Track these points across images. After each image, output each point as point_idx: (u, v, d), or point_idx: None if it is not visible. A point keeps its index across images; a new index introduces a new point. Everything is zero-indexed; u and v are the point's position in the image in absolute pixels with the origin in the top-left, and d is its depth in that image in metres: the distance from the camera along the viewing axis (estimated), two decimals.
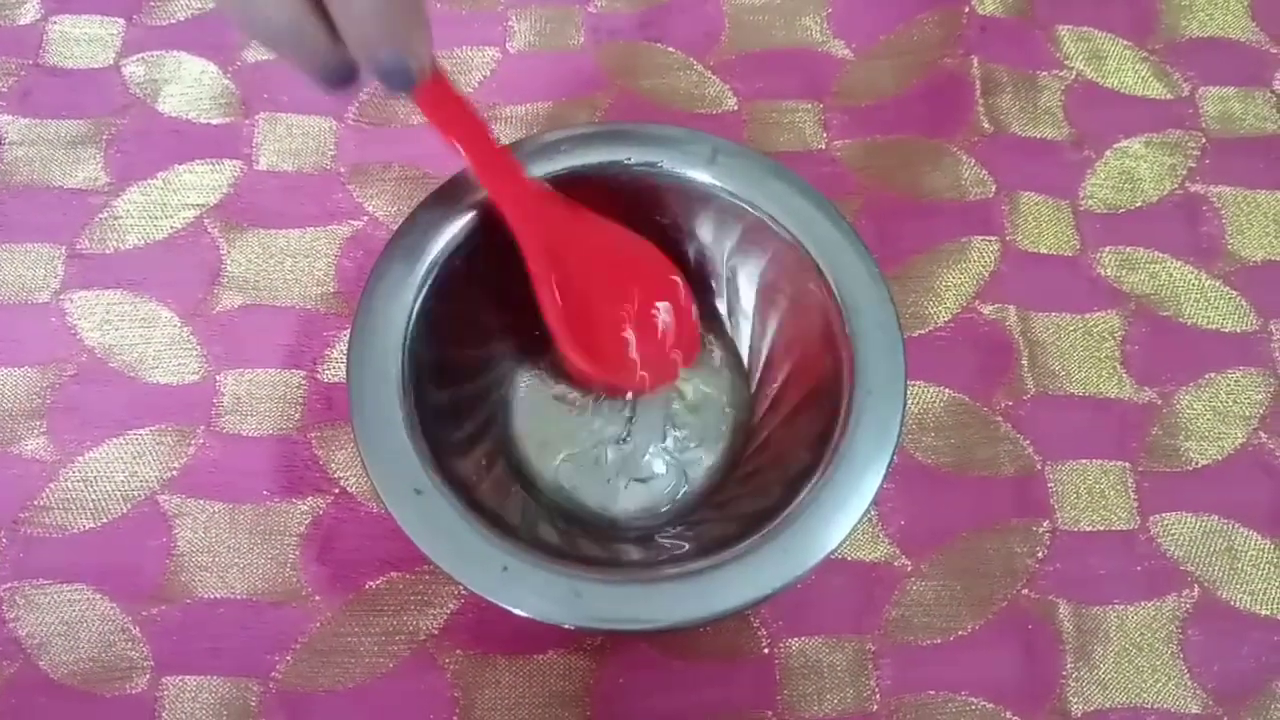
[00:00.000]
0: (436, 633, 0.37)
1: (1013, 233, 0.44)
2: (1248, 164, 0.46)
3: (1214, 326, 0.43)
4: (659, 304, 0.38)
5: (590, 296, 0.37)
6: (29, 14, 0.48)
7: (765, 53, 0.48)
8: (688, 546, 0.36)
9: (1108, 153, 0.46)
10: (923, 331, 0.42)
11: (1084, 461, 0.40)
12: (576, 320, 0.36)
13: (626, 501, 0.39)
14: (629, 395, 0.40)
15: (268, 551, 0.38)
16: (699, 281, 0.40)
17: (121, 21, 0.48)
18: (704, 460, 0.39)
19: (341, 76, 0.28)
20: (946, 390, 0.41)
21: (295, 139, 0.45)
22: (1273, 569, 0.39)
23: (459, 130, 0.33)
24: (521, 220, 0.35)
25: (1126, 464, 0.40)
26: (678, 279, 0.38)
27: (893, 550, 0.38)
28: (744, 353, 0.40)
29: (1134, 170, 0.45)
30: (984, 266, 0.43)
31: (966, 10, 0.48)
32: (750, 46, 0.48)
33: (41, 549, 0.38)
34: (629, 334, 0.38)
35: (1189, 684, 0.37)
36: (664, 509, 0.38)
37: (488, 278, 0.37)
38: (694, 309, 0.39)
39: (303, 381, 0.40)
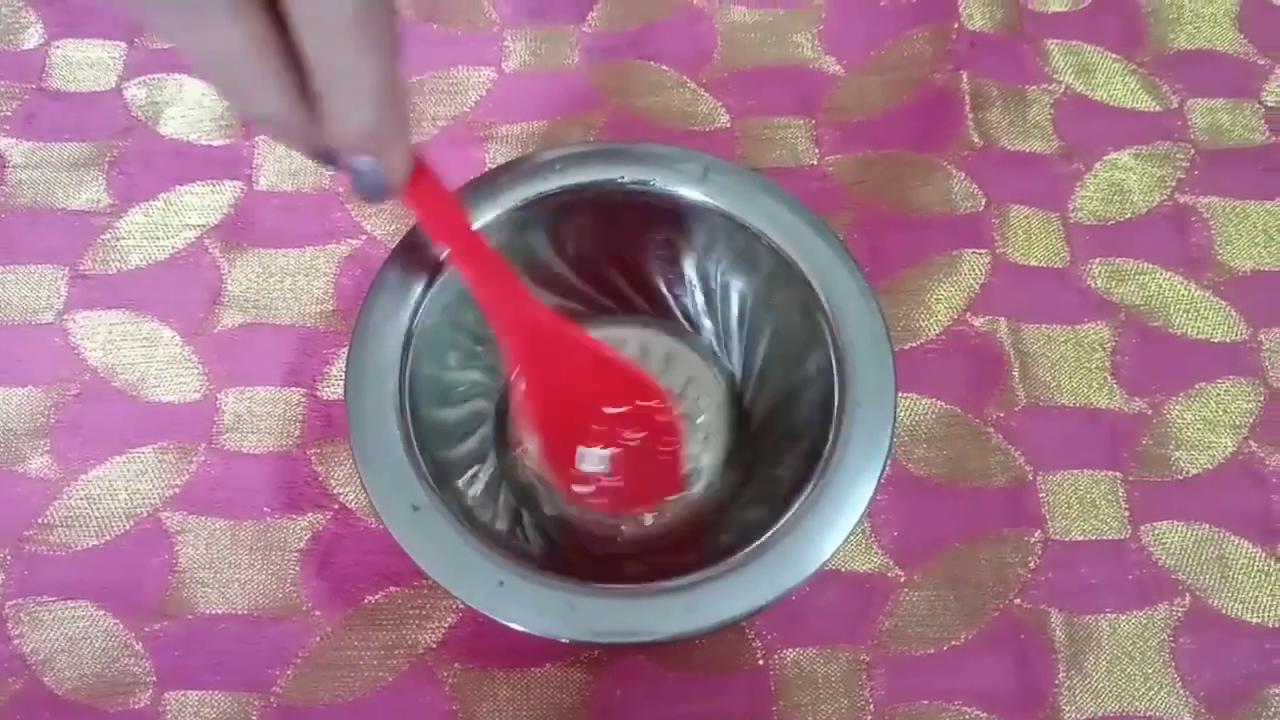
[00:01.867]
0: (435, 647, 0.37)
1: (1003, 245, 0.44)
2: (1236, 175, 0.46)
3: (1204, 336, 0.43)
4: (640, 433, 0.37)
5: (565, 412, 0.36)
6: (32, 39, 0.48)
7: (757, 70, 0.48)
8: (682, 559, 0.36)
9: (1097, 165, 0.46)
10: (914, 344, 0.42)
11: (1075, 472, 0.40)
12: (546, 428, 0.37)
13: (621, 516, 0.39)
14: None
15: (268, 567, 0.38)
16: (692, 297, 0.41)
17: (123, 45, 0.48)
18: (698, 475, 0.40)
19: (329, 160, 0.28)
20: (938, 402, 0.41)
21: (294, 159, 0.46)
22: (1264, 577, 0.39)
23: (444, 228, 0.33)
24: (516, 336, 0.35)
25: (1117, 474, 0.40)
26: (672, 417, 0.38)
27: (886, 561, 0.39)
28: (737, 367, 0.41)
29: (1123, 182, 0.46)
30: (974, 279, 0.43)
31: (956, 26, 0.49)
32: (742, 64, 0.49)
33: (45, 566, 0.38)
34: (606, 454, 0.37)
35: (1181, 692, 0.37)
36: (659, 524, 0.39)
37: None
38: (682, 452, 0.38)
39: (302, 399, 0.41)
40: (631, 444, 0.38)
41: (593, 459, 0.37)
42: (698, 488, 0.39)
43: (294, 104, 0.25)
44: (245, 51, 0.23)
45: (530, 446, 0.38)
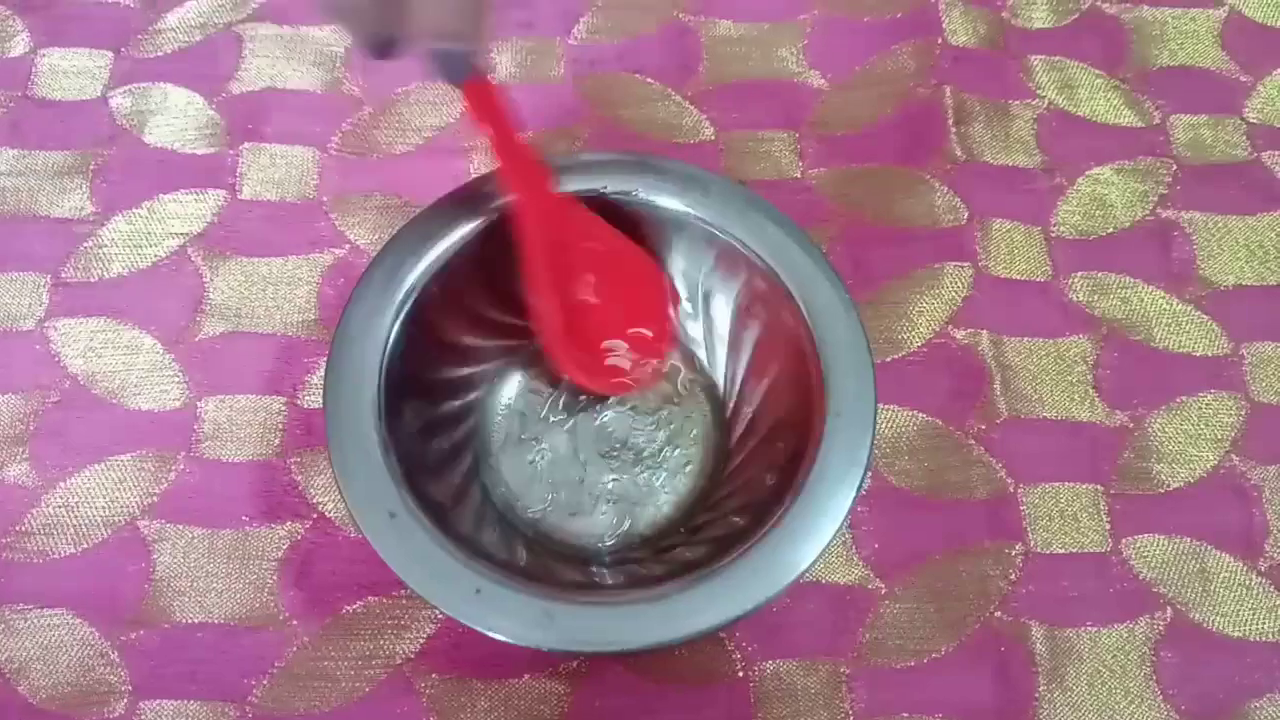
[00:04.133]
0: (413, 657, 0.37)
1: (985, 259, 0.44)
2: (1218, 190, 0.47)
3: (1185, 350, 0.43)
4: (644, 314, 0.39)
5: (581, 304, 0.37)
6: (19, 46, 0.48)
7: (742, 83, 0.49)
8: (661, 569, 0.36)
9: (1079, 180, 0.46)
10: (896, 356, 0.42)
11: (1056, 484, 0.40)
12: (565, 325, 0.37)
13: (600, 525, 0.39)
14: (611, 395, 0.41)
15: (246, 576, 0.38)
16: (676, 308, 0.41)
17: (109, 54, 0.48)
18: (679, 483, 0.40)
19: (388, 49, 0.30)
20: (920, 414, 0.41)
21: (278, 169, 0.46)
22: (1245, 591, 0.39)
23: (494, 126, 0.35)
24: (532, 223, 0.36)
25: (1099, 487, 0.40)
26: (664, 281, 0.39)
27: (866, 573, 0.39)
28: (719, 378, 0.41)
29: (1105, 197, 0.46)
30: (957, 292, 0.44)
31: (939, 41, 0.49)
32: (727, 77, 0.49)
33: (22, 574, 0.38)
34: (614, 342, 0.38)
35: (1162, 706, 0.37)
36: (638, 533, 0.39)
37: (464, 304, 0.38)
38: (672, 311, 0.40)
39: (283, 407, 0.41)
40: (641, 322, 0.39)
41: (619, 350, 0.39)
42: (679, 496, 0.39)
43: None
44: None
45: (553, 350, 0.39)
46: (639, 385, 0.40)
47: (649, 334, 0.39)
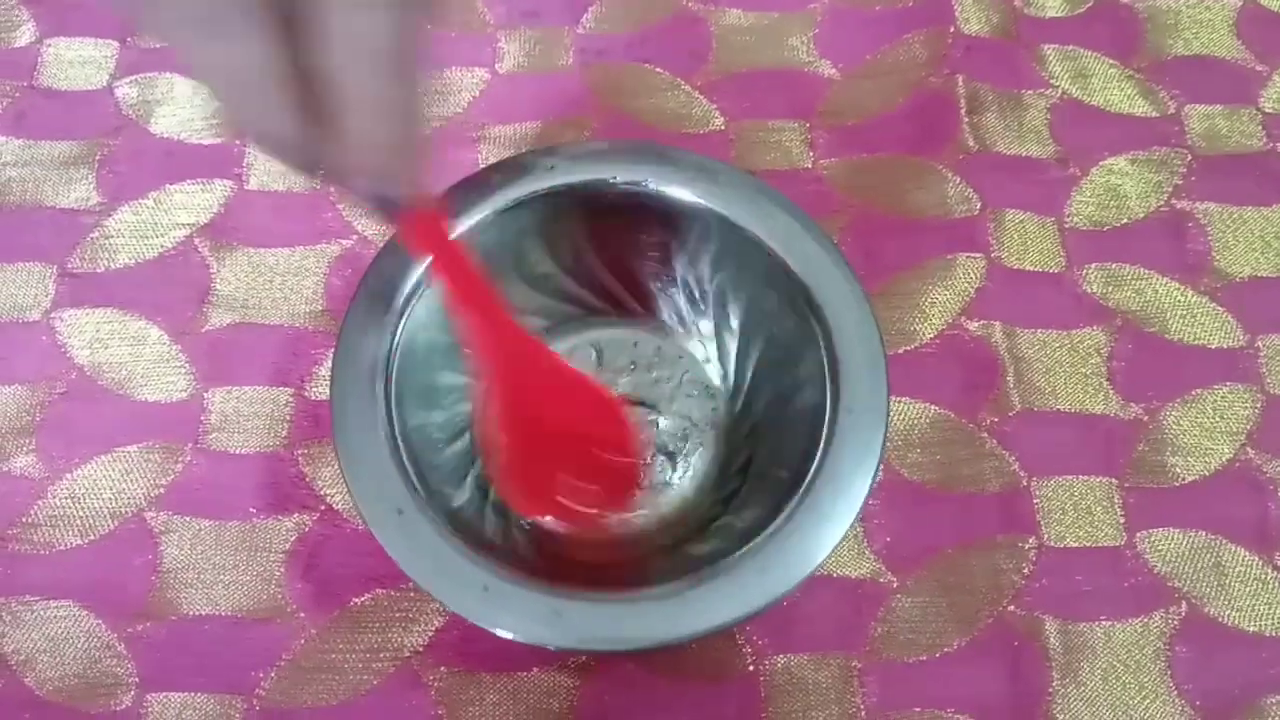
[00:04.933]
0: (421, 650, 0.37)
1: (998, 250, 0.44)
2: (1233, 181, 0.46)
3: (1200, 342, 0.43)
4: (603, 448, 0.38)
5: (536, 435, 0.36)
6: (24, 36, 0.48)
7: (752, 73, 0.48)
8: (671, 565, 0.36)
9: (1093, 170, 0.46)
10: (908, 348, 0.42)
11: (1070, 478, 0.40)
12: (519, 459, 0.36)
13: (610, 521, 0.38)
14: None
15: (253, 568, 0.38)
16: (685, 299, 0.41)
17: (115, 44, 0.48)
18: (689, 479, 0.39)
19: (313, 171, 0.27)
20: (932, 407, 0.41)
21: None
22: (1260, 585, 0.38)
23: (442, 260, 0.32)
24: (493, 358, 0.34)
25: (1113, 480, 0.40)
26: (628, 422, 0.38)
27: (878, 567, 0.38)
28: (729, 370, 0.41)
29: (1120, 187, 0.46)
30: (969, 283, 0.43)
31: (951, 30, 0.49)
32: (737, 67, 0.48)
33: (28, 566, 0.38)
34: (566, 479, 0.38)
35: (1177, 701, 0.37)
36: (648, 529, 0.38)
37: None
38: (637, 453, 0.39)
39: (290, 399, 0.41)
40: (599, 461, 0.38)
41: (574, 488, 0.38)
42: (689, 492, 0.39)
43: (300, 121, 0.24)
44: (260, 67, 0.23)
45: (496, 473, 0.38)
46: (578, 521, 0.39)
47: (614, 471, 0.38)
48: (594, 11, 0.50)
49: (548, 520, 0.38)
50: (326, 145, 0.25)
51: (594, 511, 0.38)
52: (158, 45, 0.48)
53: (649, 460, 0.39)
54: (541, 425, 0.36)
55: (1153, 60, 0.49)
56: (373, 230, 0.44)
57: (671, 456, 0.40)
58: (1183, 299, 0.43)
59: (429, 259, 0.34)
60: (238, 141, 0.46)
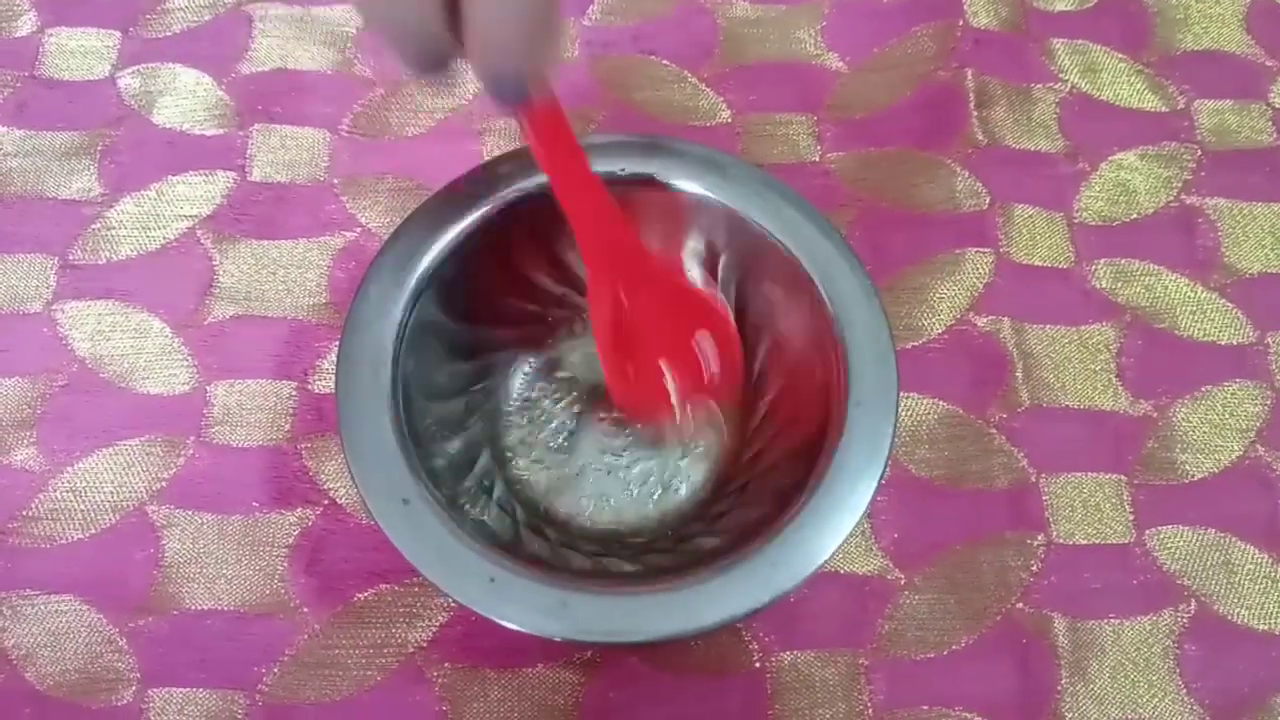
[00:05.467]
0: (425, 645, 0.37)
1: (1007, 245, 0.44)
2: (1243, 176, 0.46)
3: (1210, 339, 0.42)
4: (704, 343, 0.38)
5: (640, 333, 0.36)
6: (25, 26, 0.48)
7: (759, 66, 0.48)
8: (678, 559, 0.35)
9: (1102, 165, 0.46)
10: (916, 343, 0.42)
11: (1079, 474, 0.40)
12: (624, 356, 0.36)
13: (617, 514, 0.38)
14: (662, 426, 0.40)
15: (256, 563, 0.37)
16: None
17: (117, 34, 0.48)
18: (696, 473, 0.39)
19: (440, 68, 0.27)
20: (940, 403, 0.41)
21: (289, 150, 0.45)
22: (1270, 583, 0.38)
23: (559, 156, 0.32)
24: (595, 252, 0.34)
25: (1122, 477, 0.40)
26: (729, 321, 0.38)
27: (886, 563, 0.38)
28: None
29: (1129, 182, 0.45)
30: (978, 278, 0.43)
31: (960, 24, 0.48)
32: (744, 60, 0.48)
33: (29, 560, 0.37)
34: (670, 374, 0.37)
35: (1186, 699, 0.36)
36: (655, 522, 0.38)
37: (478, 289, 0.37)
38: (740, 352, 0.38)
39: (293, 392, 0.40)
40: (699, 354, 0.38)
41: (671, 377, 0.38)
42: (697, 486, 0.39)
43: (436, 7, 0.25)
44: None
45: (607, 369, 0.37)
46: (672, 421, 0.39)
47: (712, 370, 0.38)
48: (600, 3, 0.49)
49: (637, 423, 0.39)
50: (458, 33, 0.25)
51: (701, 397, 0.38)
52: (160, 35, 0.48)
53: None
54: (647, 315, 0.36)
55: (1162, 55, 0.49)
56: (377, 222, 0.43)
57: (678, 451, 0.39)
58: (1192, 295, 0.43)
59: (454, 236, 0.35)
60: (240, 128, 0.45)
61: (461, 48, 0.26)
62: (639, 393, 0.37)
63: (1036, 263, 0.43)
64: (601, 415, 0.40)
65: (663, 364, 0.37)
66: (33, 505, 0.38)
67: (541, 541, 0.36)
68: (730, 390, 0.39)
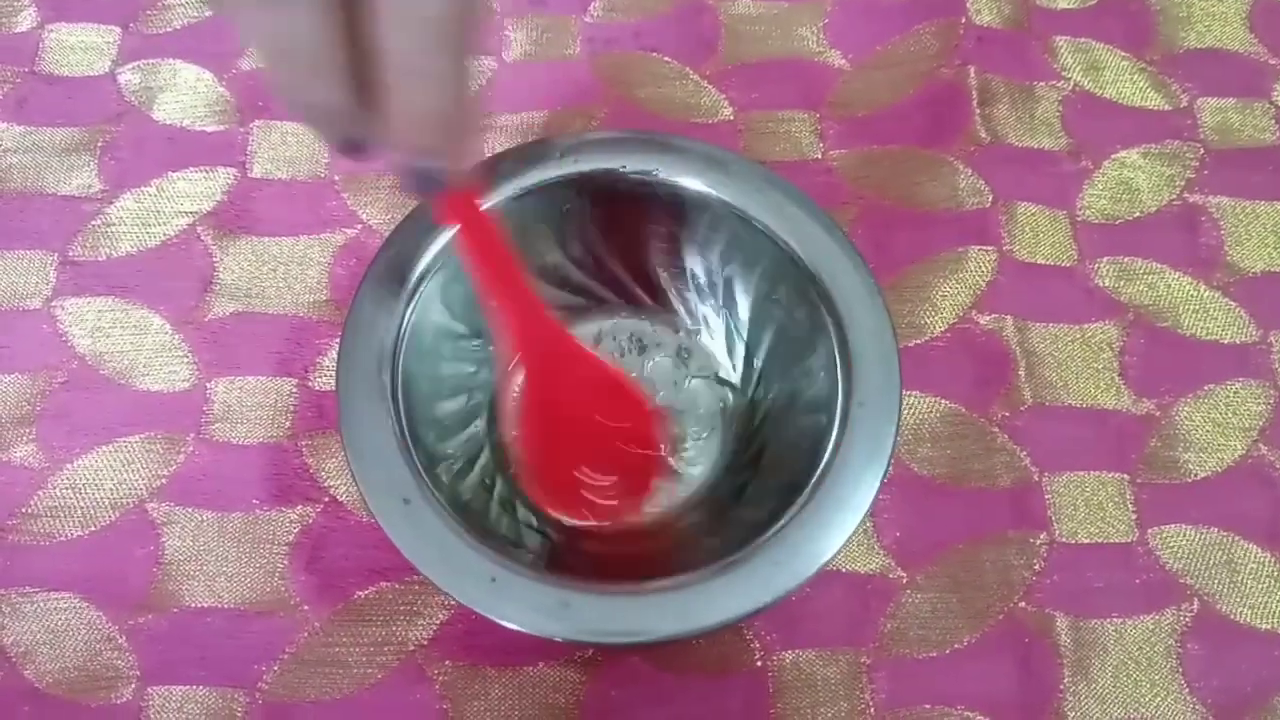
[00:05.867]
0: (425, 644, 0.36)
1: (1010, 243, 0.43)
2: (1246, 175, 0.46)
3: (1213, 338, 0.42)
4: (628, 440, 0.38)
5: (561, 427, 0.36)
6: (25, 22, 0.48)
7: (761, 63, 0.48)
8: (680, 559, 0.35)
9: (1105, 163, 0.46)
10: (919, 341, 0.42)
11: (1082, 473, 0.40)
12: (541, 451, 0.37)
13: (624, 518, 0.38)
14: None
15: (256, 560, 0.37)
16: (694, 290, 0.40)
17: (117, 30, 0.48)
18: (698, 471, 0.39)
19: (358, 151, 0.27)
20: (943, 401, 0.41)
21: (290, 147, 0.45)
22: (1273, 582, 0.38)
23: (478, 246, 0.32)
24: (518, 340, 0.35)
25: (1125, 476, 0.40)
26: (652, 414, 0.39)
27: (888, 562, 0.38)
28: (739, 362, 0.40)
29: (1132, 181, 0.45)
30: (981, 277, 0.43)
31: (963, 21, 0.48)
32: (746, 57, 0.48)
33: (28, 557, 0.37)
34: (587, 471, 0.38)
35: (1188, 698, 0.36)
36: (657, 521, 0.38)
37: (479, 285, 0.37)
38: (661, 446, 0.39)
39: (294, 389, 0.40)
40: (621, 451, 0.38)
41: (599, 481, 0.38)
42: (697, 485, 0.39)
43: (347, 94, 0.24)
44: (314, 36, 0.23)
45: (523, 470, 0.38)
46: (607, 517, 0.38)
47: (638, 461, 0.38)
48: (602, 0, 0.49)
49: (563, 516, 0.38)
50: (371, 118, 0.25)
51: (613, 504, 0.38)
52: (160, 31, 0.47)
53: (665, 453, 0.39)
54: (564, 412, 0.36)
55: (1165, 53, 0.49)
56: (378, 219, 0.43)
57: (680, 448, 0.39)
58: (1195, 294, 0.43)
59: (450, 239, 0.35)
60: (241, 124, 0.45)
61: (378, 133, 0.26)
62: (550, 485, 0.37)
63: (1039, 261, 0.43)
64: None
65: (580, 470, 0.38)
66: (32, 502, 0.38)
67: (543, 541, 0.36)
68: (643, 492, 0.38)
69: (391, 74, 0.24)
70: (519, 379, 0.39)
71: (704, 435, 0.39)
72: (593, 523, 0.38)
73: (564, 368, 0.36)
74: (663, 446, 0.39)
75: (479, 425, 0.39)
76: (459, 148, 0.27)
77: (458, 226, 0.32)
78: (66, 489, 0.38)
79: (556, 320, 0.36)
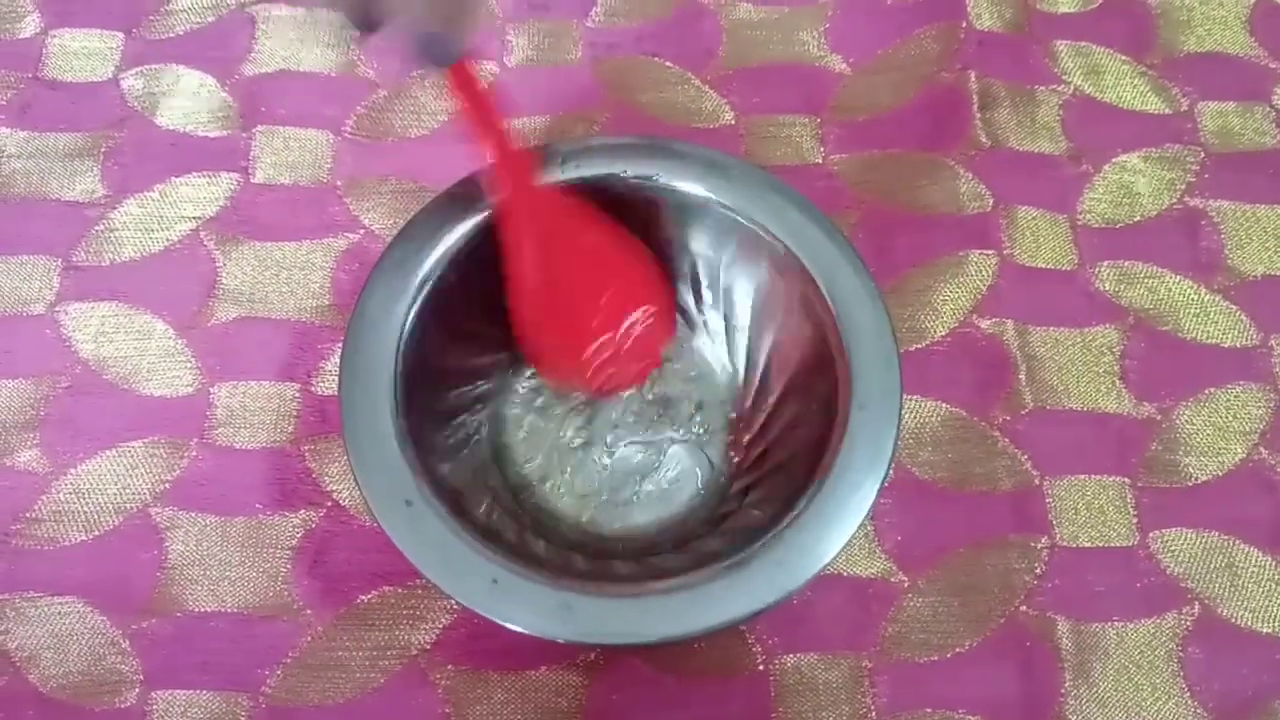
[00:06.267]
0: (428, 648, 0.36)
1: (1010, 247, 0.43)
2: (1247, 179, 0.46)
3: (1214, 341, 0.42)
4: (637, 309, 0.38)
5: (566, 300, 0.36)
6: (29, 28, 0.48)
7: (763, 67, 0.48)
8: (682, 561, 0.35)
9: (1106, 167, 0.46)
10: (920, 346, 0.42)
11: (1083, 477, 0.40)
12: (546, 324, 0.36)
13: (620, 516, 0.38)
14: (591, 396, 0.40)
15: (259, 565, 0.37)
16: (695, 294, 0.40)
17: (121, 35, 0.48)
18: (698, 476, 0.39)
19: (369, 28, 0.29)
20: (944, 405, 0.41)
21: (292, 152, 0.45)
22: (1273, 586, 0.38)
23: (476, 111, 0.34)
24: (515, 214, 0.35)
25: (1126, 480, 0.40)
26: (661, 280, 0.38)
27: (889, 566, 0.38)
28: (740, 366, 0.40)
29: (1132, 185, 0.45)
30: (982, 281, 0.43)
31: (964, 25, 0.48)
32: (748, 61, 0.48)
33: (32, 561, 0.37)
34: (598, 341, 0.37)
35: (1189, 702, 0.36)
36: (658, 524, 0.38)
37: (480, 291, 0.37)
38: (674, 311, 0.39)
39: (297, 394, 0.40)
40: (630, 318, 0.38)
41: (611, 348, 0.38)
42: (698, 488, 0.39)
43: None
44: None
45: (533, 347, 0.38)
46: (626, 385, 0.39)
47: (648, 323, 0.38)
48: (603, 5, 0.49)
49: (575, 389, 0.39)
50: None
51: (625, 372, 0.38)
52: (163, 37, 0.48)
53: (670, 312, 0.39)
54: (567, 276, 0.36)
55: (1165, 57, 0.49)
56: (380, 224, 0.43)
57: (682, 448, 0.39)
58: (1196, 297, 0.43)
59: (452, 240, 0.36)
60: (244, 129, 0.45)
61: (390, 7, 0.28)
62: (552, 350, 0.37)
63: (1040, 265, 0.43)
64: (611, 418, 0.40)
65: (592, 335, 0.37)
66: (36, 507, 0.38)
67: (544, 543, 0.36)
68: (649, 364, 0.39)
69: None
70: (519, 381, 0.40)
71: (706, 440, 0.39)
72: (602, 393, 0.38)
73: (560, 223, 0.36)
74: (670, 301, 0.39)
75: (481, 430, 0.39)
76: (463, 19, 0.29)
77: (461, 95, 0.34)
78: (70, 494, 0.38)
79: (553, 191, 0.36)
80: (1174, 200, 0.45)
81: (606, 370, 0.38)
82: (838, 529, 0.32)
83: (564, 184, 0.37)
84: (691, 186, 0.37)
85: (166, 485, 0.39)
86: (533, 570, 0.31)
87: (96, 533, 0.38)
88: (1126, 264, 0.44)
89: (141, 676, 0.36)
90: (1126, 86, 0.48)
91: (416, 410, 0.34)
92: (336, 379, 0.34)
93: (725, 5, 0.49)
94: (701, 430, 0.40)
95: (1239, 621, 0.38)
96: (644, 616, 0.31)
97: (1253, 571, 0.38)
